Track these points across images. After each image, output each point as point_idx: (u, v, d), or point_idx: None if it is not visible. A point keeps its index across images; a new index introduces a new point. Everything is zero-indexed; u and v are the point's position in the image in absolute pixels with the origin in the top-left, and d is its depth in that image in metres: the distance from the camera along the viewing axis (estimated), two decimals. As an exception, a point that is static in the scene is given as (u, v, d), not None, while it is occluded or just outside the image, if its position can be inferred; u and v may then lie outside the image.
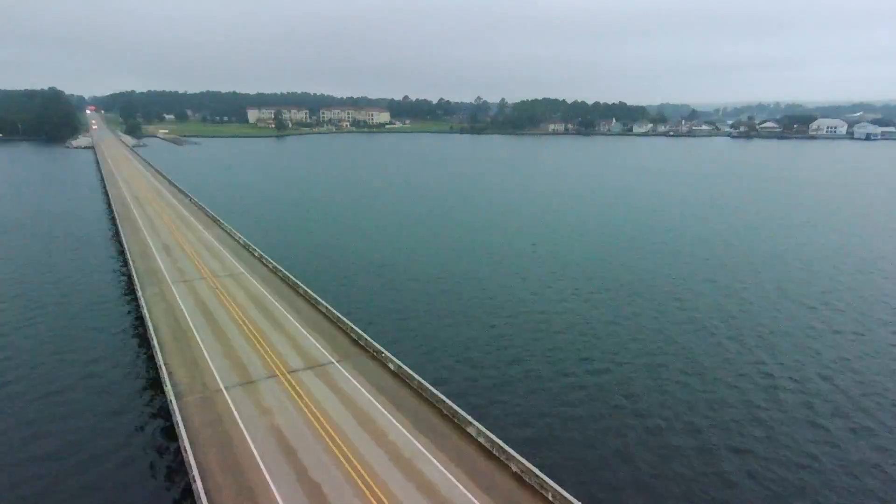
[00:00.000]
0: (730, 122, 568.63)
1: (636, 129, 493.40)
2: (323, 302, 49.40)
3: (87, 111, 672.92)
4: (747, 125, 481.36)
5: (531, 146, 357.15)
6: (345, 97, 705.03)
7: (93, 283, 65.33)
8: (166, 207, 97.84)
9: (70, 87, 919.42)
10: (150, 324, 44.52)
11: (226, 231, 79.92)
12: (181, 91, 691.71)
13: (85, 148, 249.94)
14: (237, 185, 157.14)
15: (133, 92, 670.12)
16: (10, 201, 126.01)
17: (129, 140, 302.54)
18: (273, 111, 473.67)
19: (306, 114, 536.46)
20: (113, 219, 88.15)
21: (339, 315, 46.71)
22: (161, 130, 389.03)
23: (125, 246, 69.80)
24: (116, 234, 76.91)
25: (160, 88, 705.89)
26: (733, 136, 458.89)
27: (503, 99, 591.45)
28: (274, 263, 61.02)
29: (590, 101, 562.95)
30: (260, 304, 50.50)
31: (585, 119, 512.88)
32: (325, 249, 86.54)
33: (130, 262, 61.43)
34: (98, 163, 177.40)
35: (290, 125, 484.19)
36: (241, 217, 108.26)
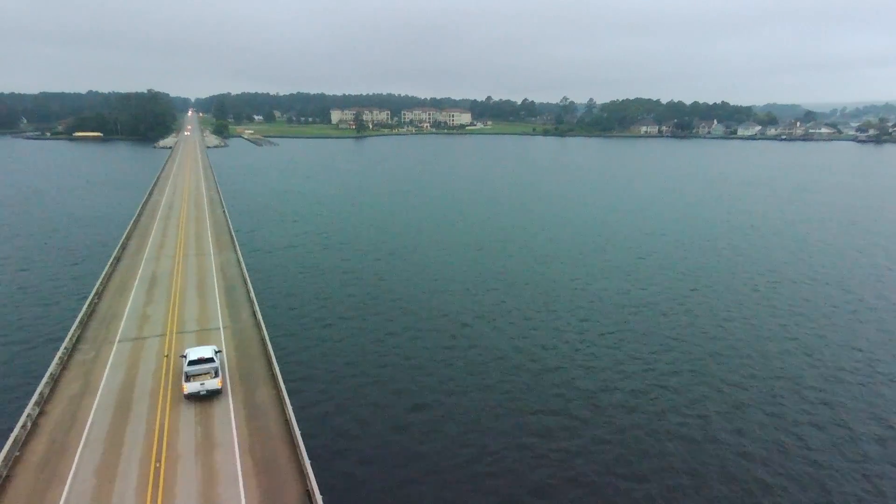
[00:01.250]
0: (854, 125, 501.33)
1: (741, 131, 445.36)
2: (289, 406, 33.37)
3: (189, 112, 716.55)
4: (878, 128, 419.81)
5: (620, 150, 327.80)
6: (428, 98, 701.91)
7: (26, 323, 55.04)
8: (192, 221, 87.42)
9: (176, 90, 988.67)
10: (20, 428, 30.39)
11: (237, 255, 66.89)
12: (273, 93, 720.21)
13: (167, 148, 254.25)
14: (285, 192, 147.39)
15: (229, 94, 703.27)
16: (49, 200, 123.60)
17: (213, 140, 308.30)
18: (355, 112, 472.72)
19: (388, 114, 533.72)
20: (129, 233, 78.25)
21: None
22: (247, 131, 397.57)
23: (106, 274, 58.09)
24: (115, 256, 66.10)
25: (254, 90, 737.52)
26: (860, 141, 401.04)
27: (591, 99, 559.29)
28: (260, 318, 46.18)
29: (687, 101, 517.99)
30: (201, 404, 34.89)
31: (682, 121, 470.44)
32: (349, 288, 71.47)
33: (87, 304, 48.90)
34: (165, 164, 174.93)
35: (371, 126, 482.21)
36: (264, 236, 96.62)
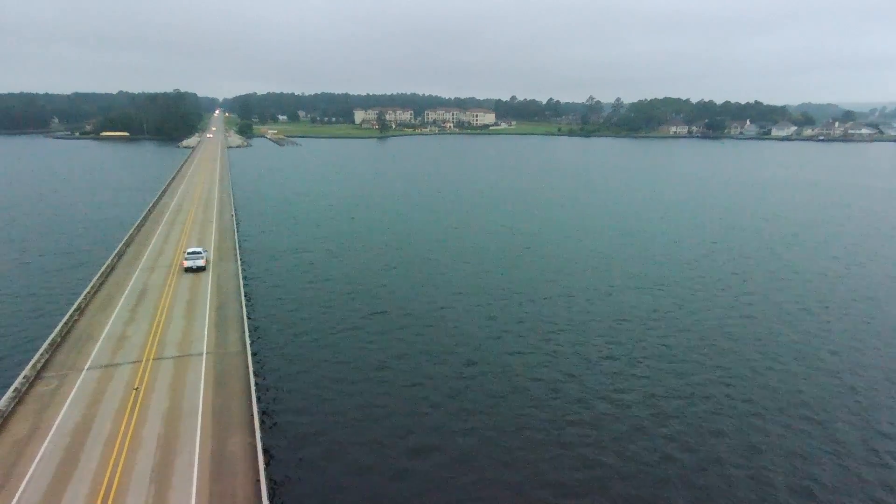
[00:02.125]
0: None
1: (776, 131, 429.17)
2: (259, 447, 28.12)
3: (216, 112, 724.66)
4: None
5: (648, 151, 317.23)
6: (452, 98, 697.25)
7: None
8: (198, 225, 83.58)
9: (204, 91, 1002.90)
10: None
11: (237, 266, 62.32)
12: (298, 93, 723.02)
13: (189, 148, 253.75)
14: (301, 194, 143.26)
15: (255, 94, 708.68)
16: (63, 200, 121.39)
17: (236, 140, 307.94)
18: (378, 112, 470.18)
19: (411, 114, 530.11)
20: (129, 238, 74.45)
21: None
22: (270, 131, 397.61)
23: (94, 286, 53.89)
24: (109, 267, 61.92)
25: (279, 91, 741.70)
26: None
27: (618, 99, 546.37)
28: (248, 346, 41.11)
29: (718, 101, 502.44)
30: (168, 445, 30.04)
31: (713, 120, 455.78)
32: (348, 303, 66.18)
33: (63, 322, 44.53)
34: (182, 164, 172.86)
35: (394, 126, 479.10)
36: (273, 241, 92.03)
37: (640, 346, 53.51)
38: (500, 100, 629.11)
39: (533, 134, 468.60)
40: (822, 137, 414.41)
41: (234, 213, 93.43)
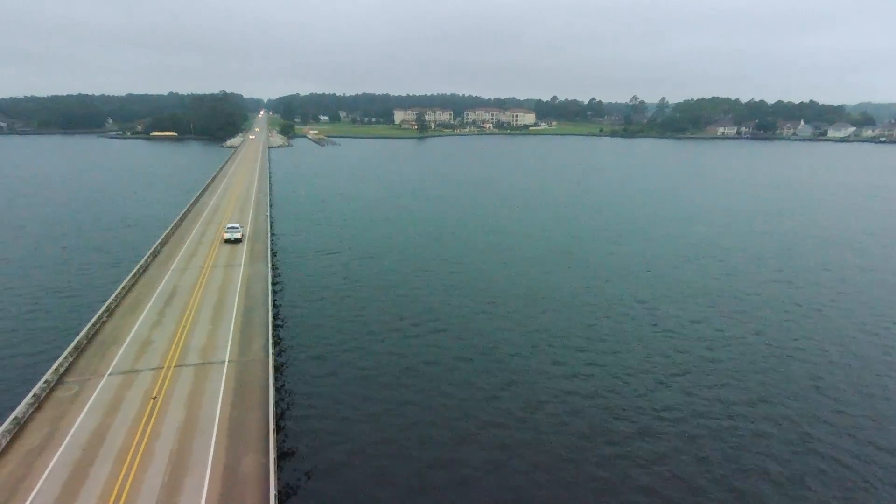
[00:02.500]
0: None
1: (832, 132, 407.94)
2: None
3: (261, 113, 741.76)
4: None
5: (696, 153, 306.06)
6: (492, 98, 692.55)
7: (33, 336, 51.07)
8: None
9: (250, 92, 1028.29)
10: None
11: (267, 268, 61.60)
12: (340, 94, 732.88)
13: (232, 147, 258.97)
14: (337, 195, 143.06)
15: (298, 95, 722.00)
16: (104, 196, 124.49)
17: (277, 140, 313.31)
18: (417, 112, 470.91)
19: (450, 115, 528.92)
20: (166, 237, 74.95)
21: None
22: (311, 131, 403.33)
23: (125, 287, 53.83)
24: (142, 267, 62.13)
25: (322, 91, 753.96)
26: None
27: (663, 98, 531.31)
28: (270, 355, 39.72)
29: (770, 100, 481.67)
30: (181, 458, 28.76)
31: (764, 121, 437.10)
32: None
33: (90, 324, 44.20)
34: (224, 164, 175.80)
35: (433, 126, 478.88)
36: (306, 242, 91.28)
37: (677, 357, 49.74)
38: (540, 100, 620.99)
39: (574, 134, 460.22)
40: (883, 139, 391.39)
41: (269, 215, 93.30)
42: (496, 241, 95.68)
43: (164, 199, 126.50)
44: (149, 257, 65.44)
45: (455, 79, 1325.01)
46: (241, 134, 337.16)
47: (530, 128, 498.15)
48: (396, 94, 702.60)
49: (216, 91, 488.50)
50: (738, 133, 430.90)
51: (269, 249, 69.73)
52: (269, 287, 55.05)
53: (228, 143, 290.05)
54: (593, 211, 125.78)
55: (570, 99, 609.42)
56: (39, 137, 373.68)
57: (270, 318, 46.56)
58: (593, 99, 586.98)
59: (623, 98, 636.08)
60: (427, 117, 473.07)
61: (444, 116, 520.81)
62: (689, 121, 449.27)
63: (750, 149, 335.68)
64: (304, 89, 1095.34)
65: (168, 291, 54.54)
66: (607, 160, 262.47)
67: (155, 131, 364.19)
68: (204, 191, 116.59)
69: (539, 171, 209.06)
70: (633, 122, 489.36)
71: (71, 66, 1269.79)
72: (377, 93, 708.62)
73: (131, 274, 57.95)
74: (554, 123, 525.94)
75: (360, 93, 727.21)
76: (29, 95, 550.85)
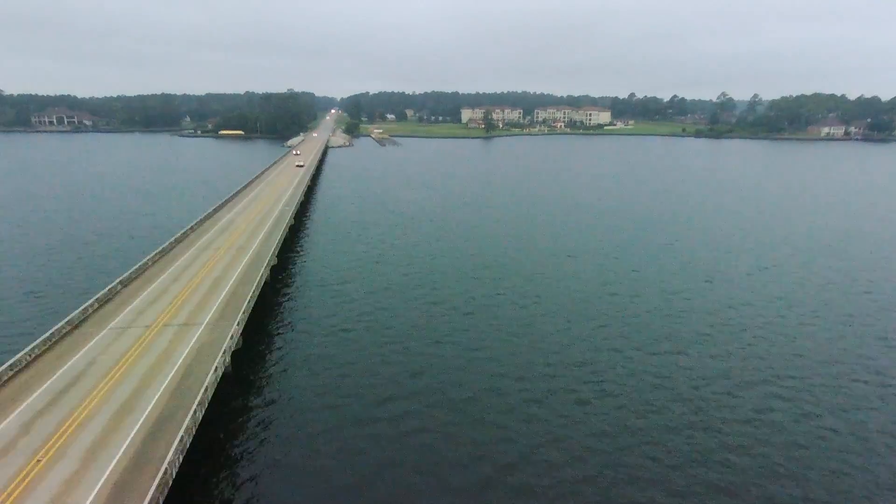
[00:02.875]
0: None
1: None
2: None
3: (332, 111, 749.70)
4: None
5: (798, 157, 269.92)
6: (564, 95, 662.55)
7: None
8: (233, 251, 69.77)
9: (323, 90, 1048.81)
10: None
11: (232, 333, 45.49)
12: (408, 92, 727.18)
13: (290, 147, 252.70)
14: (385, 202, 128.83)
15: (367, 93, 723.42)
16: (137, 201, 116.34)
17: (338, 140, 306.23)
18: (484, 111, 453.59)
19: (520, 113, 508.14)
20: (134, 274, 60.27)
21: None
22: (375, 130, 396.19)
23: (28, 355, 39.69)
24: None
25: (391, 90, 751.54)
26: None
27: (755, 95, 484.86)
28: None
29: (884, 96, 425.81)
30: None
31: (878, 120, 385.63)
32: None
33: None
34: (270, 165, 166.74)
35: (500, 125, 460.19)
36: (331, 260, 76.96)
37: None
38: (617, 97, 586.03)
39: (654, 134, 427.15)
40: None
41: (283, 233, 79.67)
42: (564, 253, 77.76)
43: (190, 206, 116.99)
44: (91, 305, 48.89)
45: (526, 76, 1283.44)
46: (302, 133, 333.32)
47: (605, 127, 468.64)
48: (465, 93, 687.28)
49: (293, 90, 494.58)
50: (847, 134, 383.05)
51: (250, 297, 52.62)
52: (224, 364, 39.94)
53: (290, 142, 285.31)
54: (697, 230, 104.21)
55: (649, 96, 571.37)
56: (119, 135, 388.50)
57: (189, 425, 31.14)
58: (675, 96, 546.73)
59: (708, 95, 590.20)
60: (495, 116, 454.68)
61: (513, 115, 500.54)
62: (786, 119, 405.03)
63: (863, 151, 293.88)
64: (374, 87, 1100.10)
65: (75, 372, 37.89)
66: (695, 163, 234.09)
67: (223, 130, 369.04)
68: (227, 201, 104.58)
69: (620, 175, 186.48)
70: (720, 120, 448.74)
71: (160, 68, 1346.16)
72: (446, 91, 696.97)
73: (43, 338, 41.09)
74: (631, 122, 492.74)
75: (430, 91, 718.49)
76: (119, 95, 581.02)
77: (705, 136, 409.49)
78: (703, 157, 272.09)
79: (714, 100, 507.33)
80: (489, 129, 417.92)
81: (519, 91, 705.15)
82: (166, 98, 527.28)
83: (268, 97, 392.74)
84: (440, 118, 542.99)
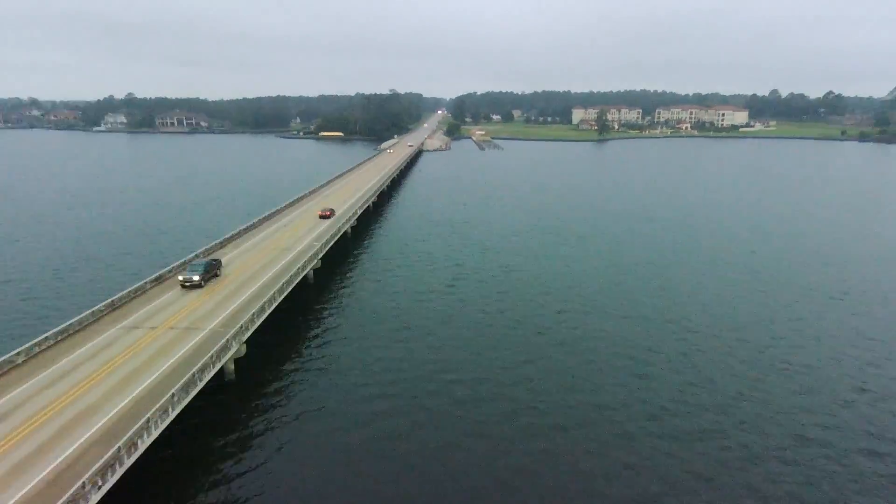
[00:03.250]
0: None
1: None
2: None
3: (437, 112, 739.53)
4: None
5: None
6: (690, 94, 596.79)
7: None
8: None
9: (431, 91, 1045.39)
10: None
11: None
12: (517, 92, 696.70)
13: (382, 150, 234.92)
14: (464, 222, 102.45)
15: (474, 93, 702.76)
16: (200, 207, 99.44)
17: (434, 143, 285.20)
18: (597, 111, 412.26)
19: (638, 113, 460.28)
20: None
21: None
22: (477, 132, 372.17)
23: None
24: None
25: (499, 89, 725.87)
26: None
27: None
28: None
29: None
30: None
31: None
32: None
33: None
34: (343, 172, 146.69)
35: (616, 127, 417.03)
36: (376, 300, 52.24)
37: None
38: (754, 94, 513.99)
39: (801, 137, 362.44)
40: None
41: (302, 271, 56.67)
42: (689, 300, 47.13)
43: (238, 210, 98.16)
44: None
45: (645, 73, 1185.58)
46: (397, 136, 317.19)
47: (740, 129, 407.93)
48: (577, 92, 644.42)
49: (402, 90, 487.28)
50: None
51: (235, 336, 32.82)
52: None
53: (384, 144, 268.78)
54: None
55: (795, 93, 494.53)
56: (230, 136, 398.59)
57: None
58: (830, 93, 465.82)
59: (873, 91, 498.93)
60: (609, 116, 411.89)
61: (631, 115, 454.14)
62: None
63: None
64: (482, 87, 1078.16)
65: None
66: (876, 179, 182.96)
67: (323, 131, 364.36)
68: (269, 217, 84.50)
69: (785, 189, 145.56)
70: (890, 121, 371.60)
71: (277, 72, 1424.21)
72: (557, 90, 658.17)
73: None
74: (772, 123, 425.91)
75: (540, 90, 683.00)
76: (241, 98, 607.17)
77: (870, 139, 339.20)
78: (881, 166, 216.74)
79: (883, 97, 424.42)
80: (603, 130, 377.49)
81: (637, 89, 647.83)
82: (277, 100, 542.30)
83: (368, 98, 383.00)
84: (549, 119, 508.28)
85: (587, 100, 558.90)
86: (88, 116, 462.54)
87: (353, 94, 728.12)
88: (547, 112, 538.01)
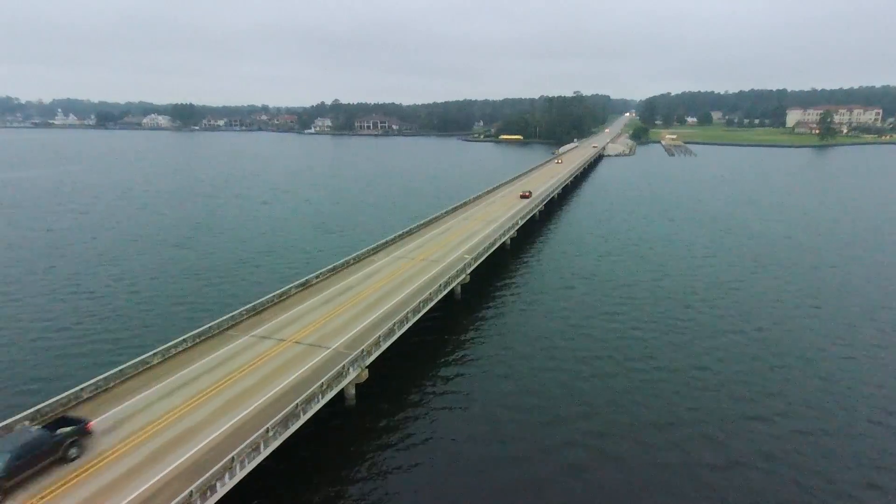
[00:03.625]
0: None
1: None
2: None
3: (626, 114, 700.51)
4: None
5: None
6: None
7: None
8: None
9: (621, 93, 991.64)
10: None
11: None
12: (719, 91, 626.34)
13: (556, 155, 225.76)
14: (634, 244, 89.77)
15: (668, 94, 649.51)
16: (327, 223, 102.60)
17: (617, 147, 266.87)
18: (820, 112, 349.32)
19: (877, 114, 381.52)
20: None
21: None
22: (667, 136, 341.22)
23: None
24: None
25: (695, 89, 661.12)
26: None
27: None
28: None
29: None
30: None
31: None
32: None
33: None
34: (503, 183, 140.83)
35: (845, 131, 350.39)
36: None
37: None
38: None
39: None
40: None
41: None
42: None
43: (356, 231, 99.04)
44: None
45: (886, 66, 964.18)
46: (576, 140, 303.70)
47: None
48: (794, 90, 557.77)
49: (590, 93, 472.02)
50: None
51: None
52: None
53: (561, 149, 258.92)
54: None
55: None
56: (415, 138, 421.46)
57: None
58: None
59: None
60: (837, 118, 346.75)
61: (867, 117, 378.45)
62: None
63: None
64: (677, 87, 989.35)
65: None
66: None
67: (503, 134, 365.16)
68: (356, 259, 63.37)
69: None
70: None
71: (469, 76, 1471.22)
72: (769, 88, 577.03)
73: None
74: None
75: (747, 89, 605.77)
76: (433, 102, 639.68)
77: None
78: None
79: None
80: (826, 134, 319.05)
81: (876, 85, 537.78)
82: (463, 104, 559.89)
83: (550, 100, 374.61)
84: (755, 121, 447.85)
85: (807, 99, 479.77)
86: (303, 120, 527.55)
87: (537, 97, 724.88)
88: (753, 113, 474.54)
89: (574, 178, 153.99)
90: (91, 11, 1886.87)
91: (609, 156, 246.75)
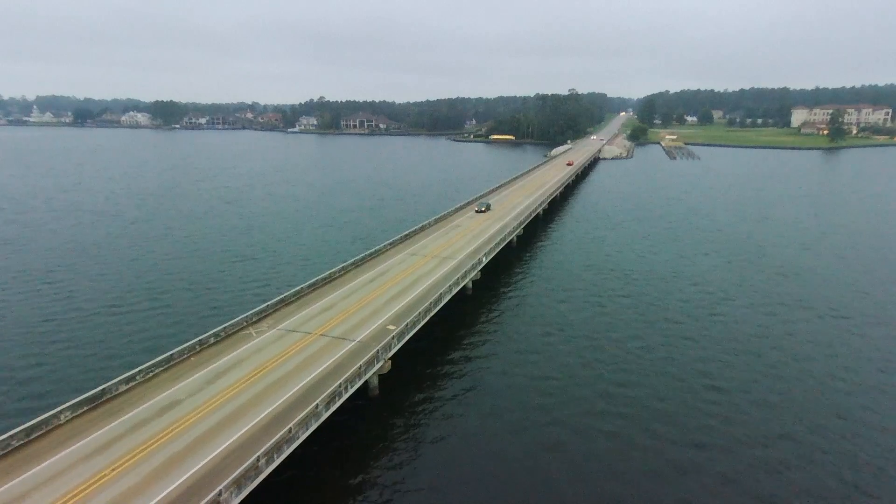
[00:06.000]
0: None
1: None
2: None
3: (622, 113, 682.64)
4: None
5: None
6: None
7: None
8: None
9: (617, 91, 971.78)
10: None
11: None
12: (719, 90, 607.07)
13: (550, 157, 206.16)
14: (633, 270, 70.78)
15: (666, 92, 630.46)
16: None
17: (614, 150, 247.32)
18: (829, 111, 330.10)
19: (887, 114, 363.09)
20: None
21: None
22: (667, 136, 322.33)
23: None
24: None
25: (694, 87, 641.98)
26: None
27: None
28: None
29: None
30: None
31: None
32: None
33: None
34: (483, 194, 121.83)
35: (854, 132, 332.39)
36: None
37: None
38: None
39: None
40: None
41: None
42: None
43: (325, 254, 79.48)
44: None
45: (890, 63, 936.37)
46: (570, 141, 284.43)
47: None
48: (798, 88, 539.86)
49: (585, 91, 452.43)
50: None
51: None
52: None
53: (553, 151, 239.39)
54: None
55: None
56: (403, 137, 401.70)
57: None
58: None
59: None
60: (846, 118, 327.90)
61: (877, 117, 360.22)
62: None
63: None
64: (675, 86, 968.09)
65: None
66: None
67: (494, 134, 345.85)
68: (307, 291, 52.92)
69: None
70: None
71: (464, 74, 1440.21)
72: (772, 87, 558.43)
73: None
74: None
75: (747, 87, 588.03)
76: (425, 100, 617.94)
77: None
78: None
79: None
80: (836, 136, 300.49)
81: (884, 84, 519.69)
82: (453, 102, 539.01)
83: (543, 98, 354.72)
84: (759, 121, 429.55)
85: (812, 98, 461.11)
86: (288, 118, 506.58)
87: (532, 95, 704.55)
88: (756, 113, 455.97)
89: (565, 186, 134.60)
90: (81, 6, 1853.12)
91: (605, 159, 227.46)
